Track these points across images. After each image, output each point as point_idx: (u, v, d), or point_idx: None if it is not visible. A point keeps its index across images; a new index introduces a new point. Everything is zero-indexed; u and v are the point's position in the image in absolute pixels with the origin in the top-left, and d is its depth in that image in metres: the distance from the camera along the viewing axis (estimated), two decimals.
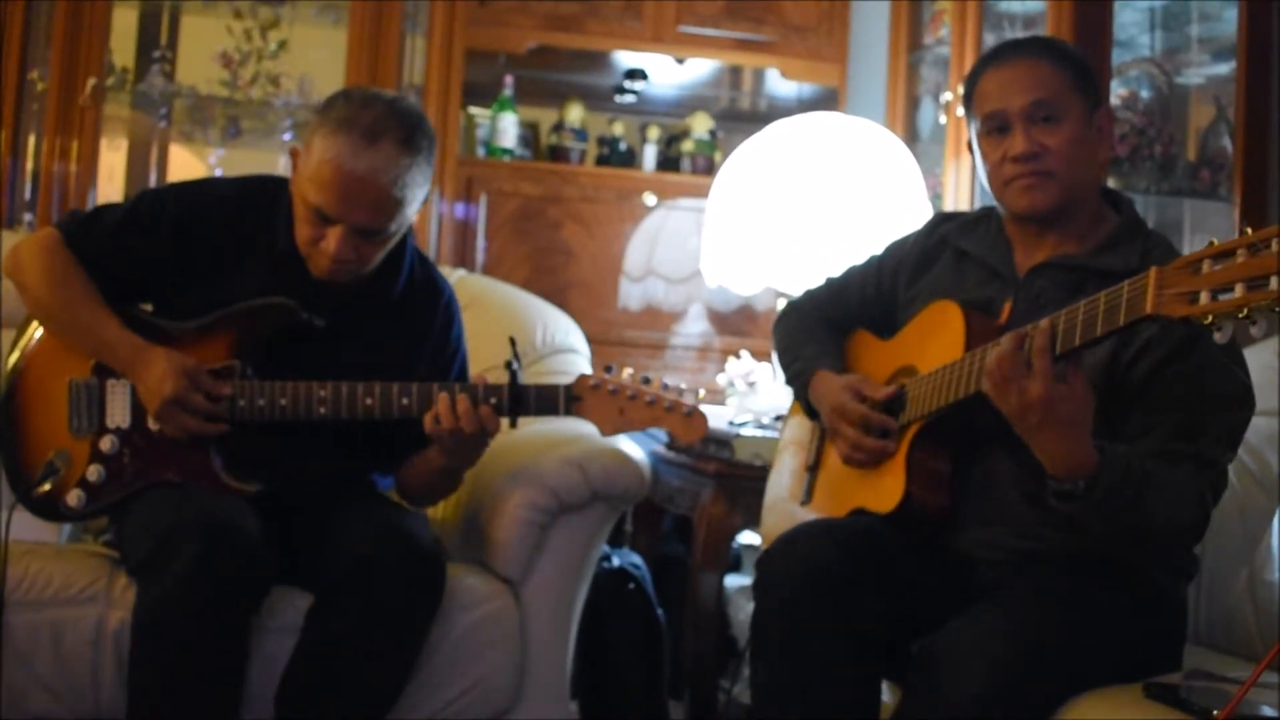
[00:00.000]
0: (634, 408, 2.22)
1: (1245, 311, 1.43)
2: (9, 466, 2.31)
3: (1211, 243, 1.50)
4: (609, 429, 2.24)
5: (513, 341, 2.25)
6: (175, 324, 2.30)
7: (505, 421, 2.24)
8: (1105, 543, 1.84)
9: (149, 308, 2.37)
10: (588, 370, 2.95)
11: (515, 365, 2.21)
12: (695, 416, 2.23)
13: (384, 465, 2.43)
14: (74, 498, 2.27)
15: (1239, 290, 1.44)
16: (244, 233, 2.31)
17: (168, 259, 2.30)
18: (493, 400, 2.20)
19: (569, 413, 2.23)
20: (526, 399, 2.22)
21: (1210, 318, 1.47)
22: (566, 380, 2.26)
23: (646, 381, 2.25)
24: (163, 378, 2.21)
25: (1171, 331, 1.81)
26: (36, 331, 2.35)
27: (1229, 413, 1.86)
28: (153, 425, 2.28)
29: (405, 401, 2.22)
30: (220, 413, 2.24)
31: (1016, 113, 1.97)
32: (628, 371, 2.25)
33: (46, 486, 2.25)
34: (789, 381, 2.31)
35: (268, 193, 2.34)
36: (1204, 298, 1.48)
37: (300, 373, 2.25)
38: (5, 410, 2.32)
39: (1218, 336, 1.48)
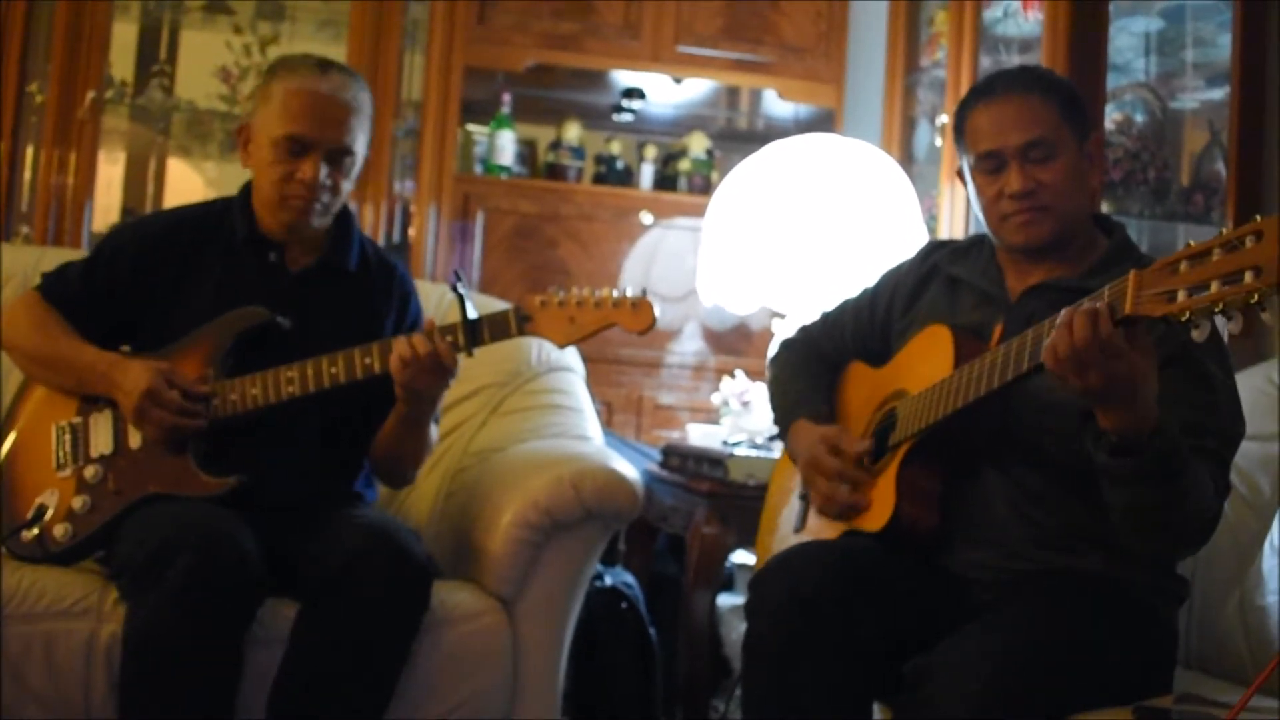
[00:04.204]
0: (583, 313, 2.24)
1: (1220, 306, 1.46)
2: (2, 520, 2.35)
3: (1189, 244, 1.52)
4: (562, 339, 2.25)
5: (456, 274, 2.29)
6: (153, 352, 2.36)
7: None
8: (1135, 516, 1.80)
9: (127, 349, 2.42)
10: (584, 391, 2.98)
11: (463, 291, 2.24)
12: (641, 305, 2.23)
13: (362, 443, 2.44)
14: (60, 530, 2.29)
15: (1214, 287, 1.47)
16: (201, 247, 2.41)
17: (136, 289, 2.39)
18: (449, 338, 2.24)
19: (522, 333, 2.25)
20: (480, 330, 2.25)
21: (1187, 315, 1.50)
22: (520, 311, 2.27)
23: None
24: (138, 377, 2.27)
25: (1168, 340, 1.82)
26: (28, 397, 2.44)
27: (1226, 418, 1.89)
28: (134, 443, 2.32)
29: (368, 361, 2.26)
30: (197, 410, 2.28)
31: (1012, 151, 2.00)
32: (574, 288, 2.27)
33: (34, 532, 2.28)
34: (774, 424, 2.34)
35: (216, 206, 2.49)
36: (1181, 296, 1.51)
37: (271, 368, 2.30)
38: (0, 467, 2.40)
39: (1195, 334, 1.50)
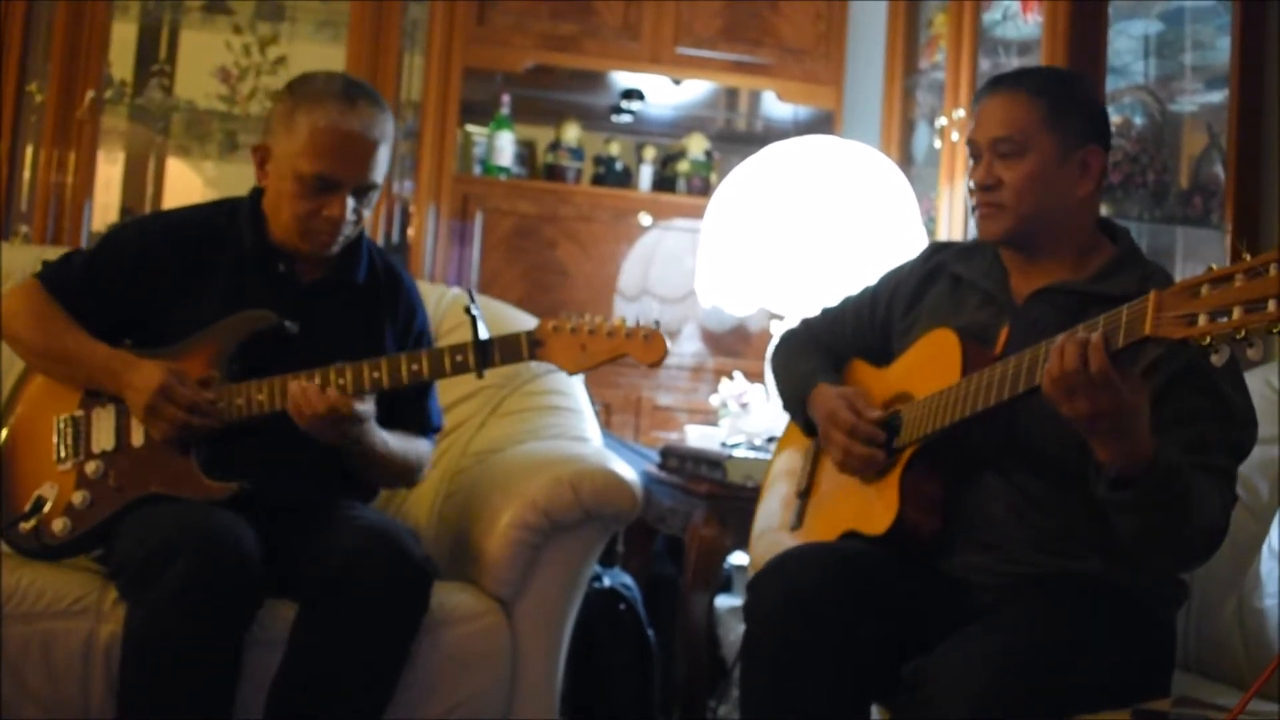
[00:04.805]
0: (595, 341, 2.24)
1: (1242, 333, 1.46)
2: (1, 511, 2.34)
3: (1210, 268, 1.52)
4: (572, 366, 2.25)
5: (470, 293, 2.29)
6: (156, 350, 2.35)
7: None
8: (1143, 539, 1.81)
9: (129, 343, 2.41)
10: (583, 392, 2.98)
11: (475, 313, 2.24)
12: (654, 338, 2.23)
13: None
14: (59, 525, 2.28)
15: (1236, 313, 1.46)
16: (208, 250, 2.40)
17: (138, 287, 2.37)
18: (459, 358, 2.23)
19: (533, 357, 2.25)
20: (491, 352, 2.24)
21: (1208, 339, 1.50)
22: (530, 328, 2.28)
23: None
24: (150, 374, 2.26)
25: (1176, 355, 1.82)
26: (28, 384, 2.42)
27: (1232, 428, 1.88)
28: (136, 440, 2.32)
29: (376, 375, 2.25)
30: (210, 409, 2.27)
31: (983, 144, 2.03)
32: (587, 316, 2.27)
33: (31, 523, 2.27)
34: (786, 403, 2.32)
35: (224, 209, 2.45)
36: (1202, 320, 1.51)
37: (277, 375, 2.29)
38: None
39: (1215, 359, 1.50)
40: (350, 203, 2.29)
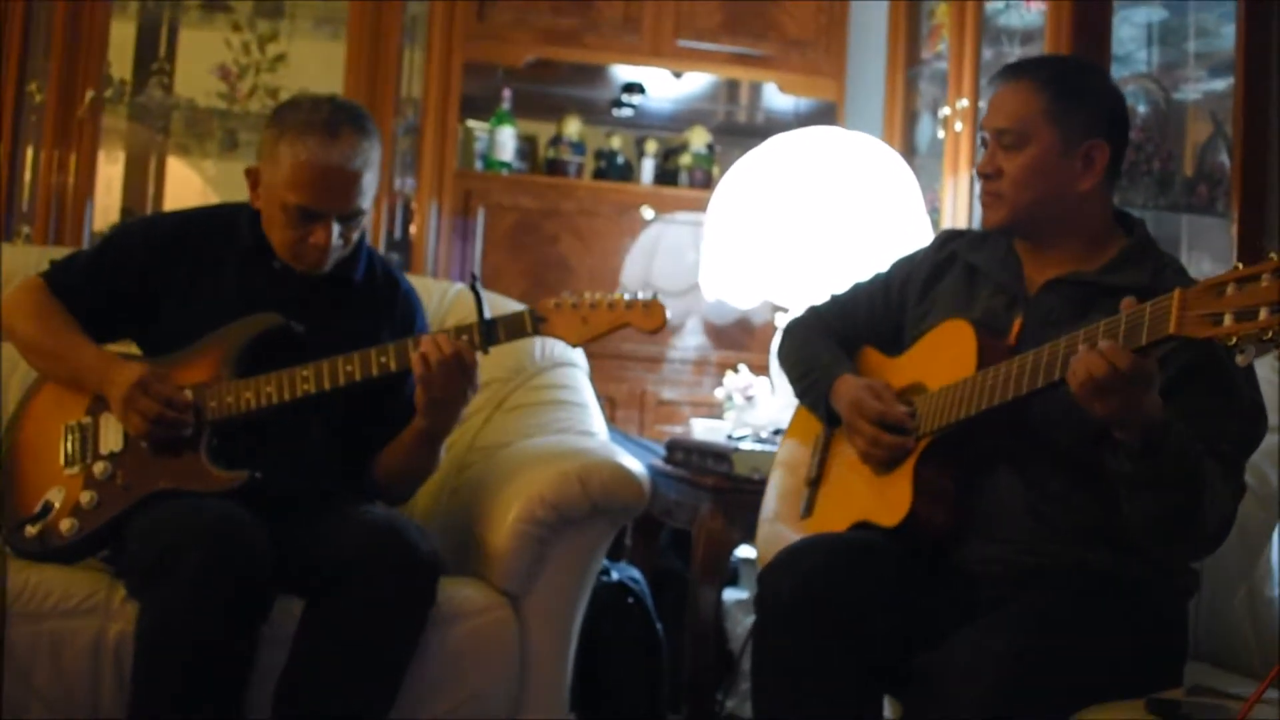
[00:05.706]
0: (595, 314, 2.27)
1: (1269, 334, 1.46)
2: (5, 516, 2.34)
3: (1237, 266, 1.52)
4: (575, 339, 2.28)
5: (474, 276, 2.31)
6: (166, 355, 2.37)
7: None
8: (1157, 523, 1.81)
9: (138, 351, 2.44)
10: (588, 386, 2.98)
11: (480, 290, 2.26)
12: (653, 306, 2.27)
13: (372, 446, 2.44)
14: (66, 525, 2.28)
15: (1263, 314, 1.47)
16: (210, 250, 2.42)
17: (142, 287, 2.40)
18: (464, 336, 2.25)
19: (536, 333, 2.28)
20: (496, 330, 2.27)
21: (1234, 339, 1.50)
22: (531, 309, 2.31)
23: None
24: (131, 370, 2.29)
25: (1188, 347, 1.82)
26: (37, 396, 2.44)
27: (1243, 422, 1.89)
28: (144, 440, 2.31)
29: (384, 360, 2.27)
30: (183, 407, 2.28)
31: (990, 134, 2.04)
32: (587, 293, 2.29)
33: (38, 527, 2.27)
34: (803, 392, 2.30)
35: (225, 210, 2.50)
36: (1228, 320, 1.51)
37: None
38: (4, 463, 2.39)
39: (1240, 359, 1.51)
40: (336, 228, 2.31)
